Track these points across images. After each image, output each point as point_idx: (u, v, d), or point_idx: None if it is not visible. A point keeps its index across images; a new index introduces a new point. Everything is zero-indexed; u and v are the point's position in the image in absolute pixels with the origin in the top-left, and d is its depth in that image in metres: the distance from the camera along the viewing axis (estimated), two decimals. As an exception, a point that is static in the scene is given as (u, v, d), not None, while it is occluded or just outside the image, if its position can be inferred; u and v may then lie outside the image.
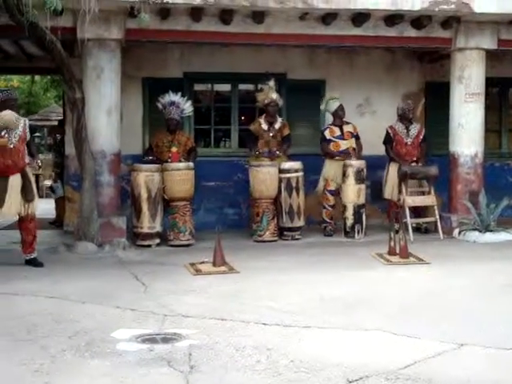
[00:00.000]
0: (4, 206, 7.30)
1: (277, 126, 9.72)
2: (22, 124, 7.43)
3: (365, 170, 9.53)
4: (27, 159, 7.50)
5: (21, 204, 7.33)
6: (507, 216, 10.03)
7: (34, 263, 7.47)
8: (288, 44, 9.78)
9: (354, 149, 9.80)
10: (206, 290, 6.33)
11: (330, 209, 9.82)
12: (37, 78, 23.36)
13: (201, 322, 5.18)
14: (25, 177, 7.39)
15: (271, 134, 9.67)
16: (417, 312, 5.53)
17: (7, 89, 7.70)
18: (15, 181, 7.31)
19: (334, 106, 9.89)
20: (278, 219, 9.37)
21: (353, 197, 9.46)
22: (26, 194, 7.36)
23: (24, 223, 7.48)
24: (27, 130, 7.49)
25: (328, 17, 9.10)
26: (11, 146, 7.27)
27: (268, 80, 9.74)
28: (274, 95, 9.70)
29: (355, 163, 9.48)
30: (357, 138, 9.91)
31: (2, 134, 7.21)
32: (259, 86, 10.22)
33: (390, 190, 9.87)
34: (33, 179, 7.56)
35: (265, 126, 9.69)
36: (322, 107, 10.07)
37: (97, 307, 5.68)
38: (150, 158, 9.27)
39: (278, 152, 9.62)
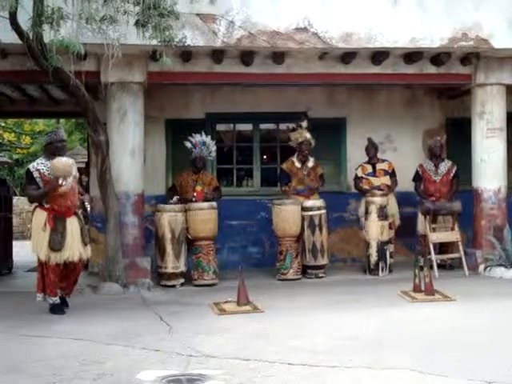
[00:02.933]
0: (65, 249, 6.99)
1: (310, 164, 9.81)
2: (74, 165, 7.30)
3: (387, 207, 9.51)
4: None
5: (78, 248, 7.08)
6: (533, 251, 9.91)
7: (64, 303, 7.24)
8: (308, 83, 9.87)
9: (387, 186, 9.82)
10: (230, 330, 6.31)
11: None
12: (62, 121, 23.71)
13: (225, 363, 5.15)
14: (79, 219, 7.25)
15: (305, 173, 9.74)
16: (443, 350, 5.46)
17: (54, 130, 7.44)
18: (73, 224, 7.11)
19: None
20: (302, 257, 9.36)
21: (376, 233, 9.43)
22: (83, 238, 7.18)
23: (76, 266, 7.20)
24: (76, 170, 7.36)
25: (347, 56, 9.20)
26: (69, 187, 7.09)
27: (301, 120, 9.83)
28: (308, 135, 9.79)
29: (378, 200, 9.47)
30: (392, 175, 9.94)
31: (60, 181, 6.93)
32: (291, 126, 10.25)
33: (422, 226, 9.82)
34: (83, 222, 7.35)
35: (298, 165, 9.78)
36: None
37: (122, 348, 5.68)
38: (175, 200, 9.27)
39: (312, 189, 9.66)
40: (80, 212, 7.38)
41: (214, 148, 9.66)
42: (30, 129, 24.61)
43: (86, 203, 7.75)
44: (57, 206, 7.03)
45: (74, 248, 7.07)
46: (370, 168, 9.99)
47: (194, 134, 9.53)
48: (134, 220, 8.87)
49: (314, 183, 9.77)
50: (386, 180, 9.90)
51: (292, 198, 9.59)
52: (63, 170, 6.98)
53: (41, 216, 7.08)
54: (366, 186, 9.83)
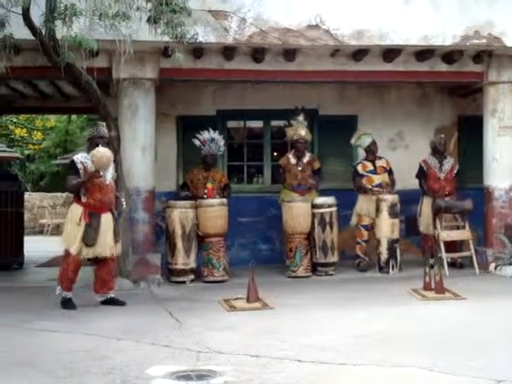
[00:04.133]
0: (97, 245, 7.12)
1: (305, 159, 9.76)
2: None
3: (398, 205, 9.50)
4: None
5: (110, 244, 7.21)
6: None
7: (114, 302, 7.37)
8: (319, 80, 9.86)
9: (387, 183, 9.79)
10: (240, 327, 6.32)
11: (363, 244, 9.80)
12: (73, 117, 23.82)
13: (235, 359, 5.17)
14: (114, 216, 7.35)
15: (300, 168, 9.71)
16: (453, 348, 5.45)
17: (95, 126, 7.60)
18: (108, 220, 7.24)
19: (366, 141, 9.94)
20: (312, 255, 9.36)
21: (387, 231, 9.42)
22: (116, 235, 7.29)
23: (106, 263, 7.32)
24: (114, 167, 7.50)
25: (359, 53, 9.18)
26: (107, 183, 7.24)
27: (297, 115, 9.81)
28: (303, 132, 9.76)
29: (389, 197, 9.46)
30: (390, 172, 9.92)
31: (101, 173, 7.14)
32: (289, 121, 10.29)
33: (424, 224, 9.82)
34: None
35: (293, 161, 9.75)
36: (353, 142, 10.10)
37: (132, 344, 5.71)
38: (186, 193, 9.34)
39: (307, 185, 9.64)
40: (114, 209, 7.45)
41: (222, 143, 9.65)
42: (41, 125, 24.72)
43: (123, 200, 7.80)
44: (93, 200, 7.14)
45: (106, 244, 7.18)
46: (370, 165, 9.91)
47: (201, 132, 9.53)
48: (144, 216, 8.89)
49: (308, 179, 9.69)
50: (386, 177, 9.87)
51: (290, 194, 9.57)
52: (100, 159, 7.08)
53: (77, 210, 7.18)
54: (368, 185, 9.78)
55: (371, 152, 9.95)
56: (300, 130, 9.74)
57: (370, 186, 9.76)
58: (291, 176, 9.70)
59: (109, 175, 7.27)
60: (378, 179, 9.81)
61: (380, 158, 10.00)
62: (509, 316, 6.67)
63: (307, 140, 9.88)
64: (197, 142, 9.50)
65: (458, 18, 8.81)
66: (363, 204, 9.78)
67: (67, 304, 7.20)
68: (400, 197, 9.56)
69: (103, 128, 7.50)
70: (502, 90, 9.64)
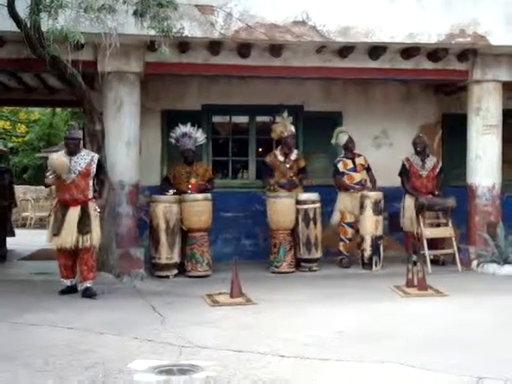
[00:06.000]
0: (59, 235, 7.43)
1: (293, 157, 9.76)
2: (88, 160, 7.61)
3: (382, 202, 9.54)
4: (90, 194, 7.62)
5: (75, 236, 7.41)
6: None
7: (87, 292, 7.49)
8: (305, 77, 9.87)
9: (365, 180, 9.84)
10: (223, 322, 6.33)
11: (347, 241, 9.83)
12: (57, 110, 23.69)
13: (218, 354, 5.18)
14: (84, 210, 7.50)
15: (288, 166, 9.71)
16: (434, 345, 5.49)
17: (69, 127, 8.01)
18: (73, 214, 7.47)
19: (343, 139, 9.94)
20: (296, 251, 9.38)
21: (371, 228, 9.45)
22: (81, 228, 7.44)
23: (80, 253, 7.54)
24: (93, 166, 7.62)
25: (345, 50, 9.19)
26: (68, 182, 7.49)
27: (282, 112, 9.82)
28: (293, 127, 9.77)
29: (373, 194, 9.49)
30: (368, 169, 9.94)
31: (48, 174, 7.50)
32: (271, 119, 10.29)
33: (407, 221, 9.87)
34: (93, 213, 7.54)
35: (281, 158, 9.73)
36: (333, 141, 10.10)
37: (114, 338, 5.70)
38: (171, 191, 9.25)
39: (296, 180, 9.65)
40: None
41: (199, 135, 9.57)
42: (25, 117, 24.57)
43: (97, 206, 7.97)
44: (61, 195, 7.59)
45: (68, 235, 7.41)
46: (350, 163, 9.89)
47: (173, 130, 9.51)
48: (128, 210, 8.86)
49: (296, 177, 9.71)
50: (365, 175, 9.91)
51: (277, 191, 9.57)
52: (53, 166, 7.51)
53: (54, 204, 7.79)
54: (348, 182, 9.80)
55: (349, 149, 9.95)
56: (289, 126, 9.75)
57: (352, 184, 9.77)
58: (279, 174, 9.70)
59: (72, 175, 7.51)
60: (358, 177, 9.84)
61: (359, 155, 10.01)
62: (490, 313, 6.72)
63: (294, 136, 9.88)
64: (172, 140, 9.50)
65: (444, 16, 8.85)
66: (346, 201, 9.79)
67: (64, 292, 7.60)
68: (384, 194, 9.59)
69: (75, 130, 7.77)
70: (486, 88, 9.69)
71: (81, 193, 7.52)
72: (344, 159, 9.95)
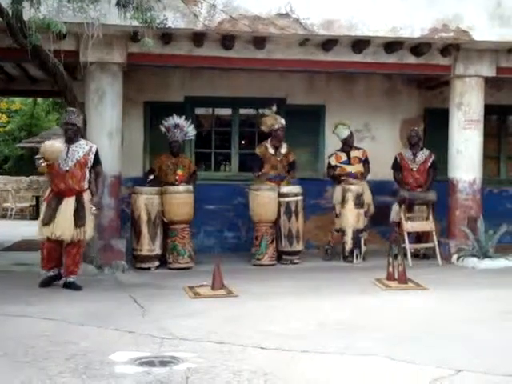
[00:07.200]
0: (55, 226, 7.24)
1: (283, 150, 9.78)
2: (86, 150, 7.47)
3: (364, 195, 9.57)
4: (86, 185, 7.48)
5: (69, 228, 7.26)
6: (506, 243, 10.06)
7: (71, 287, 7.40)
8: (288, 69, 9.87)
9: (361, 173, 9.84)
10: (204, 314, 6.33)
11: (335, 232, 9.81)
12: (39, 100, 23.51)
13: (199, 346, 5.18)
14: (79, 202, 7.35)
15: (278, 159, 9.72)
16: (414, 337, 5.53)
17: (67, 112, 7.78)
18: (68, 204, 7.31)
19: (344, 133, 9.93)
20: (277, 243, 9.40)
21: (352, 221, 9.49)
22: (77, 219, 7.29)
23: (68, 246, 7.39)
24: (91, 156, 7.48)
25: (328, 43, 9.20)
26: (64, 170, 7.32)
27: (270, 105, 9.81)
28: (283, 120, 9.76)
29: (354, 188, 9.52)
30: (365, 162, 9.94)
31: (40, 162, 7.25)
32: (261, 111, 10.28)
33: (396, 214, 9.86)
34: (88, 205, 7.37)
35: (271, 151, 9.73)
36: (334, 131, 10.07)
37: (95, 329, 5.68)
38: (152, 177, 9.26)
39: (286, 176, 9.67)
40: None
41: (190, 129, 9.59)
42: (6, 107, 24.37)
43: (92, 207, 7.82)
44: (55, 185, 7.38)
45: (65, 227, 7.25)
46: (344, 156, 9.92)
47: (166, 118, 9.48)
48: (109, 202, 8.83)
49: (287, 174, 9.75)
50: (361, 168, 9.91)
51: (265, 183, 9.58)
52: (46, 152, 7.24)
53: (46, 193, 7.60)
54: (339, 174, 9.81)
55: (348, 144, 9.97)
56: (279, 118, 9.74)
57: (343, 173, 9.75)
58: (270, 166, 9.69)
59: (69, 163, 7.34)
60: (350, 169, 9.83)
61: (358, 148, 10.03)
62: (469, 307, 6.78)
63: (285, 128, 9.87)
64: (163, 129, 9.46)
65: (427, 11, 8.87)
66: (338, 194, 9.79)
67: (44, 283, 7.44)
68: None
69: (72, 115, 7.56)
70: (468, 83, 9.74)
71: (76, 183, 7.36)
72: (338, 153, 9.96)
